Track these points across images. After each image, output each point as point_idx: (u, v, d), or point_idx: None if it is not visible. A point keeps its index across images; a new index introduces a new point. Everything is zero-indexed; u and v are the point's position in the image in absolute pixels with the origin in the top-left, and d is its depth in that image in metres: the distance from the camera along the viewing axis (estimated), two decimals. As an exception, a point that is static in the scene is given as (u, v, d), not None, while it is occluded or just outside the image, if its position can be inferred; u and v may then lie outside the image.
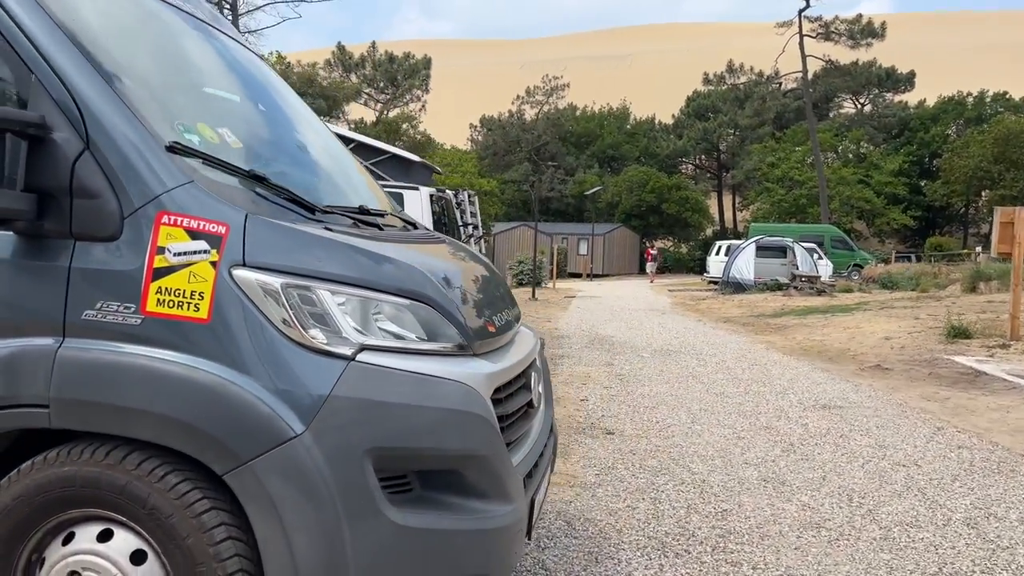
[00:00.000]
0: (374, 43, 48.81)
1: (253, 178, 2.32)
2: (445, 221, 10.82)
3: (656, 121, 67.88)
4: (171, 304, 2.06)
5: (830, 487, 5.03)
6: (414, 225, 3.36)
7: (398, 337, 2.27)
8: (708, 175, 65.72)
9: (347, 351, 2.13)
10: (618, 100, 66.77)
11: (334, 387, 2.06)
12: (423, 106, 49.00)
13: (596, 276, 43.82)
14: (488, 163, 55.49)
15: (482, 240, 11.88)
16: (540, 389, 3.01)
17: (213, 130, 2.40)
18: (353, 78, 47.61)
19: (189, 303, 2.05)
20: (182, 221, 2.08)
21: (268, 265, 2.11)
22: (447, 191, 10.69)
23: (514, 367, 2.71)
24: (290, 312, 2.09)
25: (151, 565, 2.08)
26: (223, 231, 2.09)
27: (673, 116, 66.96)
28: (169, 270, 2.06)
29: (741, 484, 5.06)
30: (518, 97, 58.00)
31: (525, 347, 3.01)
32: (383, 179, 10.61)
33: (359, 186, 3.34)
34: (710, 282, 31.21)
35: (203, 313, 2.05)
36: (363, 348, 2.16)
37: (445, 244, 3.24)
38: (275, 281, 2.10)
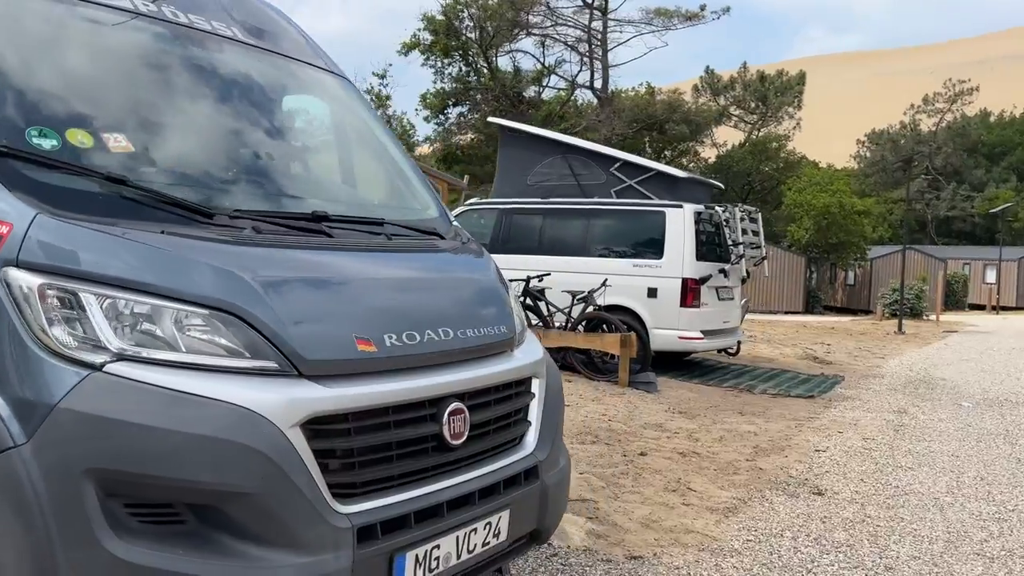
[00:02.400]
0: (745, 64, 47.48)
1: (113, 180, 2.30)
2: (718, 241, 9.97)
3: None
4: None
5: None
6: (438, 235, 3.13)
7: (187, 350, 2.07)
8: None
9: (96, 360, 2.00)
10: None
11: (63, 398, 1.95)
12: (798, 124, 46.22)
13: (1005, 309, 36.91)
14: (874, 180, 50.30)
15: (753, 261, 10.68)
16: (464, 426, 2.51)
17: (90, 135, 2.42)
18: (722, 100, 46.79)
19: None
20: None
21: (38, 265, 2.07)
22: (717, 208, 9.83)
23: (394, 394, 2.32)
24: (42, 314, 2.02)
25: None
26: (4, 231, 2.09)
27: None
28: None
29: (926, 582, 3.77)
30: (912, 107, 51.73)
31: (462, 373, 2.56)
32: (647, 197, 10.16)
33: (344, 193, 3.18)
34: None
35: None
36: (121, 358, 2.01)
37: (412, 255, 2.91)
38: (35, 281, 2.04)
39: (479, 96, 38.11)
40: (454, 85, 38.26)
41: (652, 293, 9.52)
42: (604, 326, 9.07)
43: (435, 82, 38.55)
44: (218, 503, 1.99)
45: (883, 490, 5.36)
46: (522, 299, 9.53)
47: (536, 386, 2.97)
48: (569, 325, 9.25)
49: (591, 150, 10.78)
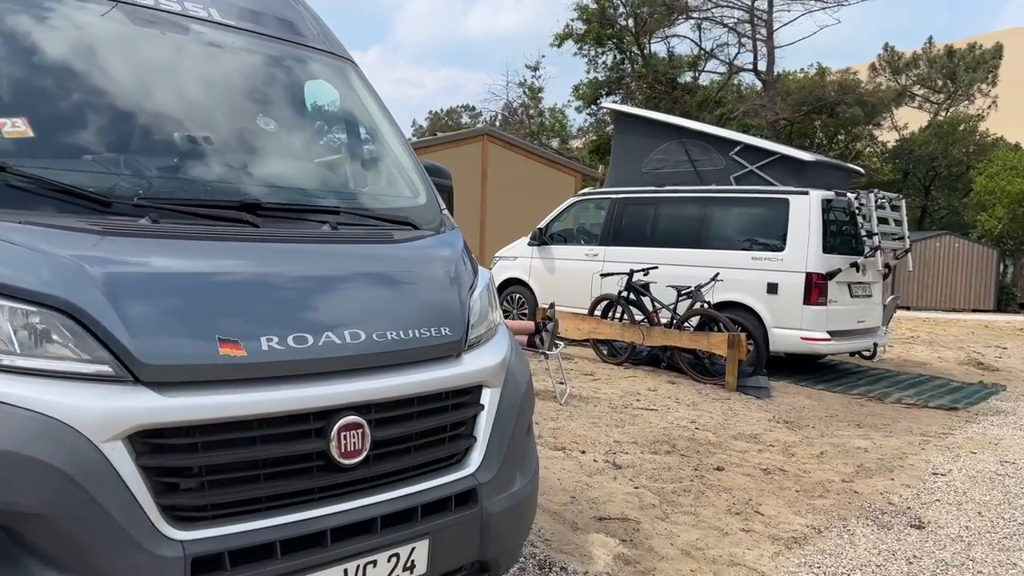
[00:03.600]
0: (931, 39, 43.18)
1: None
2: (851, 231, 8.91)
3: None
4: None
5: None
6: (410, 225, 2.88)
7: (20, 351, 1.89)
8: None
9: None
10: None
11: None
12: (993, 103, 41.53)
13: None
14: (1087, 164, 44.19)
15: (895, 254, 9.48)
16: (361, 443, 2.19)
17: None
18: (903, 80, 42.92)
19: None
20: None
21: None
22: (849, 195, 8.77)
23: (261, 404, 2.05)
24: None
25: None
26: None
27: None
28: None
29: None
30: None
31: (368, 382, 2.25)
32: (770, 183, 9.28)
33: (310, 179, 2.95)
34: None
35: None
36: None
37: (352, 246, 2.62)
38: None
39: (633, 84, 37.19)
40: (607, 74, 37.57)
41: (772, 289, 8.68)
42: (713, 324, 8.38)
43: (588, 72, 38.05)
44: (12, 524, 1.78)
45: (1002, 527, 4.47)
46: (625, 294, 9.02)
47: (487, 397, 2.59)
48: (675, 323, 8.63)
49: (709, 134, 10.01)
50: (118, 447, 1.84)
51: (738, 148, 9.56)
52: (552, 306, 7.12)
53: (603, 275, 9.50)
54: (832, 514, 4.57)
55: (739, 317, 8.67)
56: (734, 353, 7.84)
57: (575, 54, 37.44)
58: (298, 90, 3.28)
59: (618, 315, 9.19)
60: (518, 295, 11.34)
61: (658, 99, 34.41)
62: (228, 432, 2.00)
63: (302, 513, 2.09)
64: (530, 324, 7.12)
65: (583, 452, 5.44)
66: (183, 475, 1.94)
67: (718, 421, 6.62)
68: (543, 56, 64.80)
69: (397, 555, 2.25)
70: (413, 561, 2.29)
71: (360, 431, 2.18)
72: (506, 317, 11.43)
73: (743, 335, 7.88)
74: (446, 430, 2.46)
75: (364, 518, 2.18)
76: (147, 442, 1.89)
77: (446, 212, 3.25)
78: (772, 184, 9.15)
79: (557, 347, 7.23)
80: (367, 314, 2.37)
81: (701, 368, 8.44)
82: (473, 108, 50.78)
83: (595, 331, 9.15)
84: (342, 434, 2.15)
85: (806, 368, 9.65)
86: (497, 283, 11.61)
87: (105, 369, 1.91)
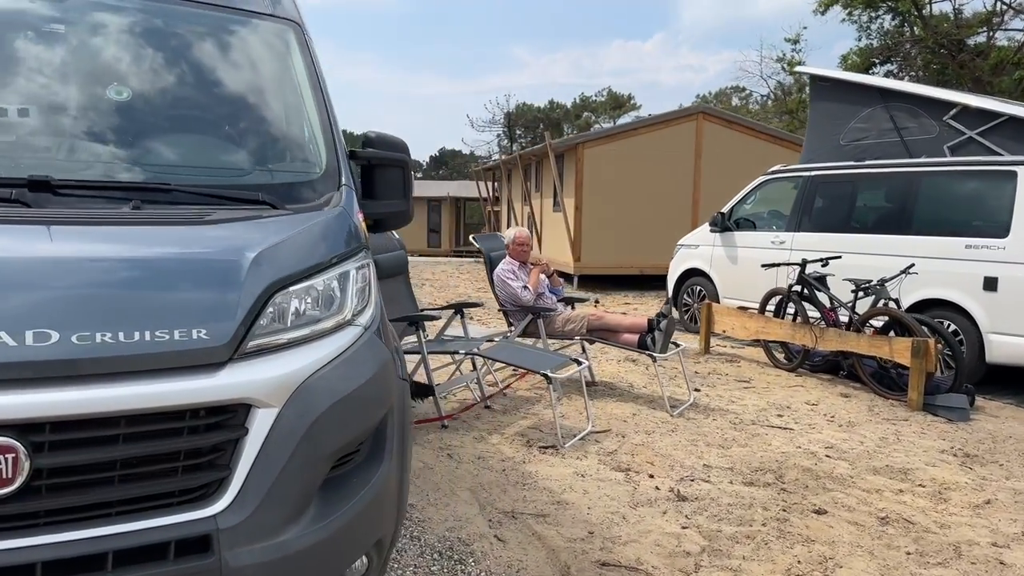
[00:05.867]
0: None
1: None
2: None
3: None
4: None
5: None
6: (267, 204, 2.54)
7: None
8: None
9: None
10: None
11: None
12: None
13: None
14: None
15: None
16: (13, 471, 1.80)
17: None
18: None
19: None
20: None
21: None
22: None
23: None
24: None
25: None
26: None
27: None
28: None
29: None
30: None
31: (34, 395, 1.86)
32: (994, 152, 7.34)
33: (147, 155, 2.66)
34: None
35: None
36: None
37: (129, 228, 2.26)
38: None
39: (913, 50, 32.74)
40: (882, 40, 33.48)
41: (990, 285, 6.91)
42: (902, 327, 6.85)
43: (859, 39, 34.22)
44: None
45: None
46: (797, 289, 7.71)
47: (257, 419, 2.08)
48: (852, 323, 7.19)
49: (920, 95, 8.19)
50: None
51: (955, 111, 7.72)
52: (668, 302, 6.20)
53: (765, 266, 8.22)
54: (940, 593, 3.37)
55: (945, 318, 7.04)
56: (919, 363, 6.33)
57: (843, 20, 33.94)
58: (190, 55, 2.98)
59: (791, 313, 7.91)
60: (698, 287, 10.28)
61: (940, 67, 30.03)
62: None
63: None
64: (642, 321, 6.26)
65: (650, 476, 4.60)
66: None
67: (867, 449, 5.33)
68: (804, 27, 59.59)
69: None
70: None
71: (12, 456, 1.80)
72: (686, 312, 10.44)
73: (931, 341, 6.32)
74: (179, 458, 2.00)
75: (19, 562, 1.80)
76: None
77: (345, 188, 2.80)
78: (998, 153, 7.28)
79: (677, 347, 6.29)
80: (78, 312, 1.96)
81: (887, 380, 6.94)
82: (743, 89, 48.15)
83: (763, 331, 7.94)
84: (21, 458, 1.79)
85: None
86: (676, 274, 10.67)
87: None
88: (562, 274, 17.51)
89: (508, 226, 23.58)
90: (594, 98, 63.36)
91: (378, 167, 3.09)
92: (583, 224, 15.61)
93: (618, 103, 60.38)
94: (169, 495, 1.99)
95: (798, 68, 13.38)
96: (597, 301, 13.27)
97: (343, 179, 2.83)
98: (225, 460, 2.05)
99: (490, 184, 27.14)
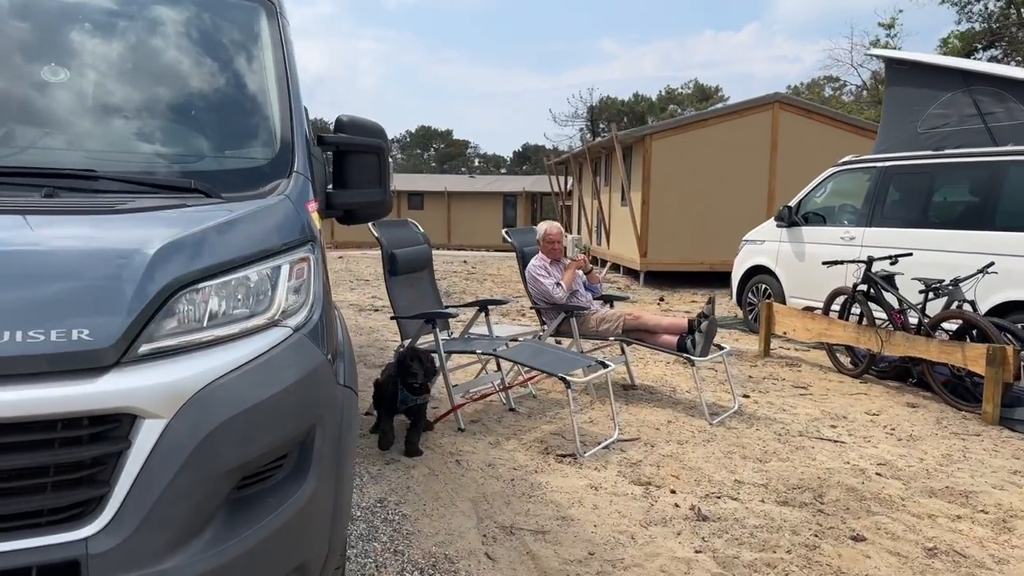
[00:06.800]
0: None
1: None
2: None
3: None
4: None
5: None
6: (199, 192, 2.39)
7: None
8: None
9: None
10: None
11: None
12: None
13: None
14: None
15: None
16: None
17: None
18: None
19: None
20: None
21: None
22: None
23: None
24: None
25: None
26: None
27: None
28: None
29: None
30: None
31: None
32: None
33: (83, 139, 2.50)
34: None
35: None
36: None
37: (37, 217, 2.10)
38: None
39: (1020, 33, 30.58)
40: (985, 24, 31.40)
41: (1083, 286, 6.19)
42: (977, 332, 6.21)
43: (958, 22, 32.22)
44: None
45: None
46: (863, 288, 7.11)
47: (142, 432, 1.87)
48: (922, 327, 6.56)
49: (1007, 77, 7.43)
50: None
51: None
52: (711, 301, 5.75)
53: (826, 263, 7.61)
54: (985, 644, 2.91)
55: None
56: (996, 372, 5.70)
57: (942, 2, 32.03)
58: (140, 34, 2.81)
59: (856, 314, 7.31)
60: (763, 286, 9.71)
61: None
62: None
63: None
64: (682, 322, 5.84)
65: (672, 492, 4.23)
66: None
67: (926, 467, 4.79)
68: (900, 11, 56.56)
69: None
70: None
71: None
72: (750, 311, 9.88)
73: (1010, 348, 5.68)
74: (49, 472, 1.80)
75: None
76: None
77: (297, 176, 2.59)
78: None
79: (720, 350, 5.85)
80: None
81: (960, 390, 6.31)
82: (836, 79, 46.11)
83: (825, 333, 7.37)
84: None
85: None
86: (741, 271, 10.14)
87: None
88: (628, 271, 17.05)
89: (577, 221, 23.16)
90: (680, 90, 62.02)
91: (351, 153, 2.88)
92: (650, 219, 15.11)
93: (705, 95, 58.95)
94: (36, 514, 1.79)
95: (872, 51, 12.48)
96: (661, 299, 12.75)
97: (296, 166, 2.61)
98: (105, 476, 1.84)
99: (562, 179, 26.75)
